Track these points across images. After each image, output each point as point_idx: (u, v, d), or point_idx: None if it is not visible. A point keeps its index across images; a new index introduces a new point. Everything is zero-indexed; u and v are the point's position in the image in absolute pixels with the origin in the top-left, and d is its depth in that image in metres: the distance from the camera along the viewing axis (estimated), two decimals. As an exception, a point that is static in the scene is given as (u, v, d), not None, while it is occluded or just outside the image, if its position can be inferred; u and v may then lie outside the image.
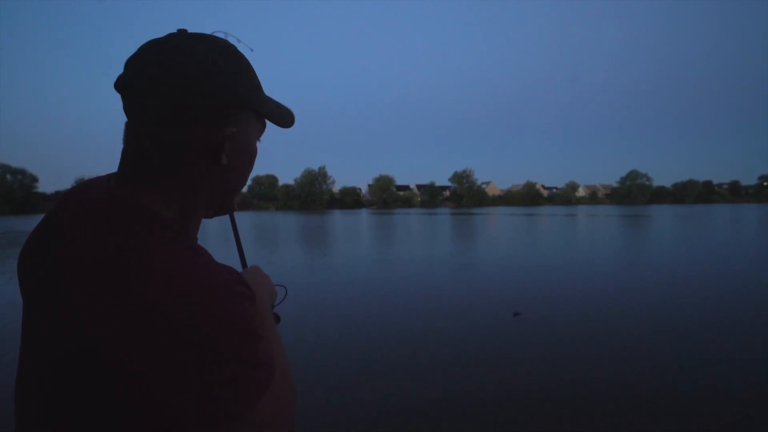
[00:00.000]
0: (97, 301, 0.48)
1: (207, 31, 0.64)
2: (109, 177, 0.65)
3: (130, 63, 0.59)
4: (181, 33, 0.61)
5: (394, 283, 8.70)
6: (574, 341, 4.90)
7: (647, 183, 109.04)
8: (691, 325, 5.43)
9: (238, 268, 0.85)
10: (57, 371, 0.50)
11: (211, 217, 0.70)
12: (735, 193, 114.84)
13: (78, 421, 0.49)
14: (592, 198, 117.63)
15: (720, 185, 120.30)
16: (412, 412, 3.34)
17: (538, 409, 3.36)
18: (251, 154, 0.69)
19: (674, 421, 3.15)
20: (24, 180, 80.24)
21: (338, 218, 44.47)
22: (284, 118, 0.73)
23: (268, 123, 0.72)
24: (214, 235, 17.63)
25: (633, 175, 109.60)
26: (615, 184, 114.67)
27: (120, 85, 0.59)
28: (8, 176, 79.44)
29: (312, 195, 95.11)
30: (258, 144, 0.71)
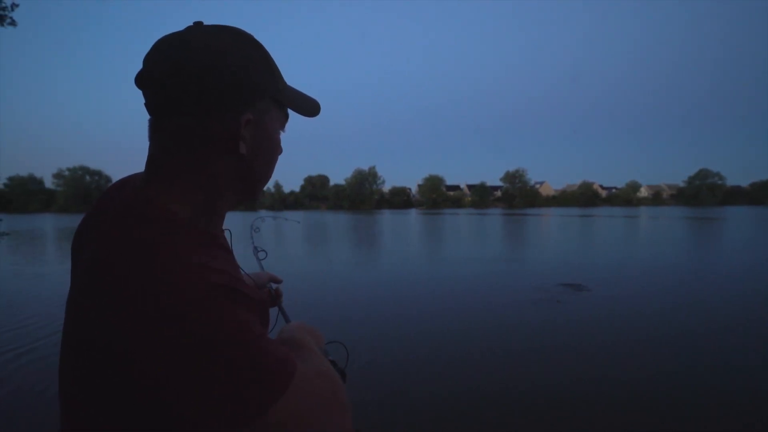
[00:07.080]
0: (107, 302, 0.50)
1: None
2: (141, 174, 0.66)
3: (148, 57, 0.59)
4: (197, 25, 0.61)
5: (439, 283, 8.84)
6: (620, 339, 4.87)
7: (719, 182, 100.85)
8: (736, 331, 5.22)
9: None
10: (73, 365, 0.54)
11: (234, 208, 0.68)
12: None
13: (89, 410, 0.52)
14: (656, 199, 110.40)
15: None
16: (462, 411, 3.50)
17: (579, 407, 3.42)
18: (272, 144, 0.67)
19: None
20: (100, 181, 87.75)
21: (387, 218, 44.87)
22: (308, 107, 0.72)
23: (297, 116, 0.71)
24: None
25: (703, 174, 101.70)
26: (682, 184, 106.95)
27: (140, 79, 0.59)
28: (87, 177, 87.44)
29: (362, 195, 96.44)
30: (282, 134, 0.69)
